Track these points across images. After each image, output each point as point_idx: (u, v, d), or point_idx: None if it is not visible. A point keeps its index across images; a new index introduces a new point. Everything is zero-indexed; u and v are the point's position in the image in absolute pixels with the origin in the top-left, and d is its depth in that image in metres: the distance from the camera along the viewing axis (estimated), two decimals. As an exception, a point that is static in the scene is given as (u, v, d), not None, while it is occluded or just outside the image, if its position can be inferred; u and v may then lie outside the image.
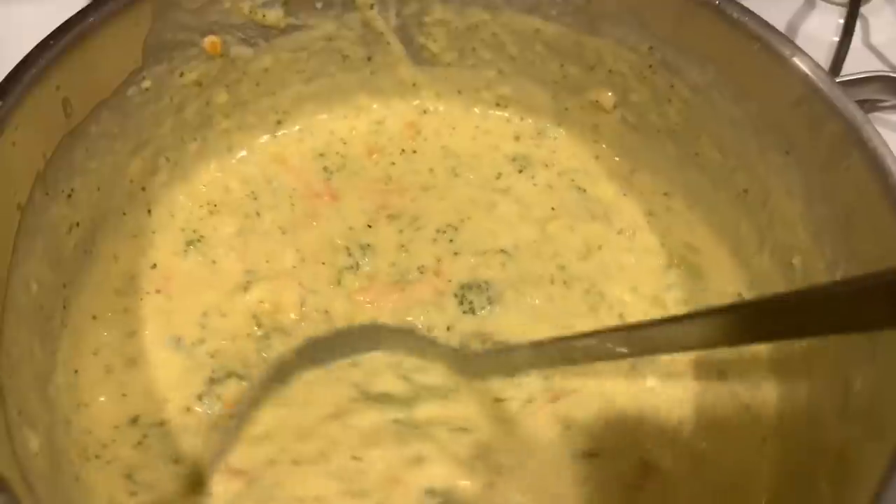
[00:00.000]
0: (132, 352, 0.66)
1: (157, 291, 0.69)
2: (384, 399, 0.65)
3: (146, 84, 0.67)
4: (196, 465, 0.61)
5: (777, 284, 0.68)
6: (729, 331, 0.53)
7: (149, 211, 0.73)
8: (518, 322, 0.70)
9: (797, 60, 0.62)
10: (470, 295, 0.71)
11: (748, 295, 0.72)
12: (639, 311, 0.71)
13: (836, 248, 0.61)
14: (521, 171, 0.80)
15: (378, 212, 0.76)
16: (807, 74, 0.62)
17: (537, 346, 0.66)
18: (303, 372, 0.66)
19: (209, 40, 0.70)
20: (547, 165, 0.81)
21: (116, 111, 0.65)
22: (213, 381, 0.65)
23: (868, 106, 0.88)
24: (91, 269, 0.67)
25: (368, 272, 0.72)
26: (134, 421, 0.63)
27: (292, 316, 0.69)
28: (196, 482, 0.60)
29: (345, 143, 0.80)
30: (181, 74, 0.69)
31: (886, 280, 0.41)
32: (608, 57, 0.74)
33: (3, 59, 0.57)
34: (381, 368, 0.67)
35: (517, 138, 0.82)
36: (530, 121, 0.83)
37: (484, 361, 0.68)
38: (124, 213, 0.70)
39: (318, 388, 0.66)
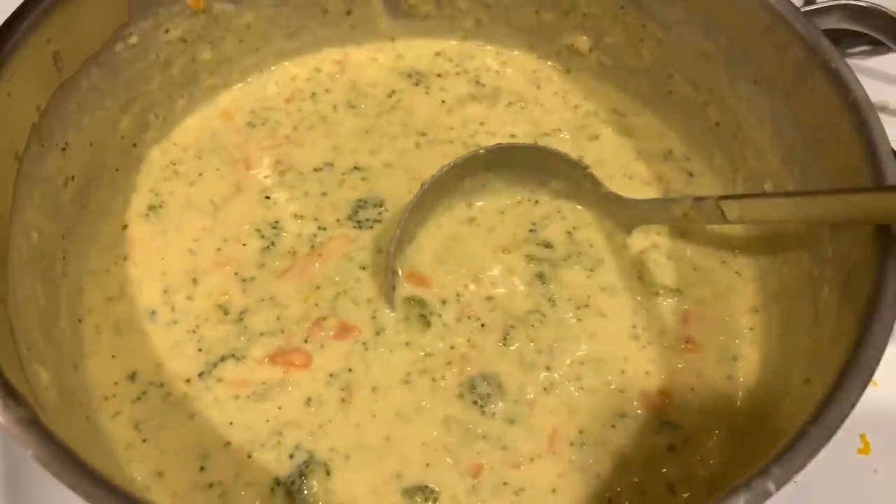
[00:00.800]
0: (115, 317, 0.67)
1: (125, 259, 0.69)
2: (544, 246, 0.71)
3: (133, 40, 0.68)
4: (209, 423, 0.62)
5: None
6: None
7: (139, 169, 0.75)
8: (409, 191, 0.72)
9: (762, -11, 0.65)
10: (362, 215, 0.72)
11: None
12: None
13: (805, 168, 0.64)
14: (416, 85, 0.81)
15: (273, 170, 0.74)
16: (771, 3, 0.64)
17: (699, 199, 0.66)
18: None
19: (192, -5, 0.71)
20: (440, 75, 0.81)
21: (106, 67, 0.67)
22: (209, 364, 0.64)
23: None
24: (87, 224, 0.68)
25: (286, 248, 0.70)
26: (132, 378, 0.64)
27: (245, 300, 0.68)
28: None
29: (278, 95, 0.79)
30: (166, 31, 0.71)
31: None
32: (581, 0, 0.76)
33: (-7, 14, 0.59)
34: (553, 216, 0.72)
35: (437, 53, 0.82)
36: (454, 42, 0.83)
37: (638, 207, 0.70)
38: (117, 170, 0.72)
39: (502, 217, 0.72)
